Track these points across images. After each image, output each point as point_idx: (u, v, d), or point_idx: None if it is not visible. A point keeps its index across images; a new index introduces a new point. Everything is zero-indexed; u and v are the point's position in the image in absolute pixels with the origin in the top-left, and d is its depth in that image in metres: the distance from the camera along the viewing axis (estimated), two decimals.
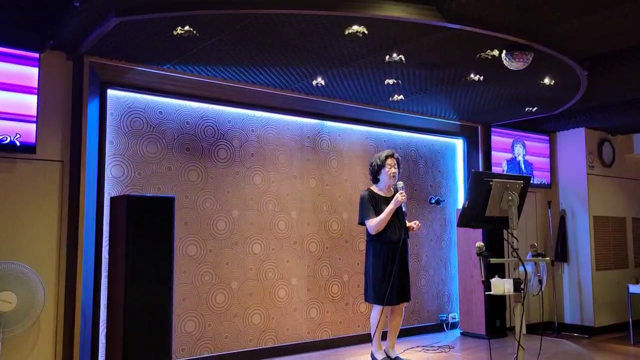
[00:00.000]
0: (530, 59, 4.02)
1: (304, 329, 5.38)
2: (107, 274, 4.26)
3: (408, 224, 4.84)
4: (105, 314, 4.23)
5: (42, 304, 3.73)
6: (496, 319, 6.14)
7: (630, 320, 6.55)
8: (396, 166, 4.78)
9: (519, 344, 3.60)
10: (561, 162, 7.41)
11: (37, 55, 3.95)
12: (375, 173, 4.81)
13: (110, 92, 4.45)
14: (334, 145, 5.78)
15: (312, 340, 5.40)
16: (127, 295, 3.90)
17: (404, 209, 4.66)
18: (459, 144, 6.90)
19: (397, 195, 4.61)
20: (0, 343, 3.63)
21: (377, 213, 4.64)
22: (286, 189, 5.39)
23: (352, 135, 5.93)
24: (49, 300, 3.93)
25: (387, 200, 4.68)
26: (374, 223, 4.60)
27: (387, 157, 4.78)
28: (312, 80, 4.85)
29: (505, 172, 6.79)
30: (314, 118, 5.62)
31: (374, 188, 4.83)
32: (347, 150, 5.86)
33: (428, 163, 6.56)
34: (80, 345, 4.05)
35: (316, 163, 5.63)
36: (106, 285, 4.25)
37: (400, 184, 4.67)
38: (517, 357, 3.65)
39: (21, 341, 3.87)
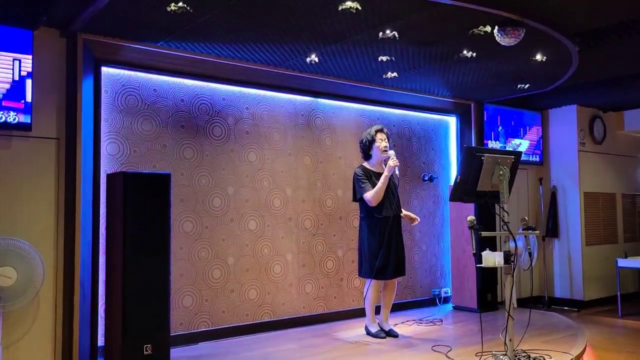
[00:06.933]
0: (522, 34, 4.06)
1: (300, 303, 5.47)
2: (104, 250, 4.32)
3: (409, 214, 4.91)
4: (104, 290, 4.30)
5: (41, 279, 3.79)
6: (487, 293, 6.26)
7: (619, 293, 6.70)
8: (386, 140, 4.84)
9: (508, 314, 3.70)
10: (553, 139, 7.48)
11: (30, 32, 3.94)
12: (366, 149, 4.87)
13: (105, 70, 4.45)
14: (328, 123, 5.81)
15: (307, 314, 5.50)
16: (125, 270, 3.96)
17: (397, 173, 4.70)
18: (452, 121, 6.94)
19: (389, 161, 4.66)
20: (1, 317, 3.69)
21: (372, 187, 4.70)
22: (281, 166, 5.44)
23: (346, 113, 5.96)
24: (47, 276, 3.98)
25: (380, 175, 4.74)
26: (371, 195, 4.66)
27: (377, 131, 4.84)
28: (306, 57, 4.86)
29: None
30: (308, 95, 5.64)
31: (366, 164, 4.89)
32: (341, 128, 5.90)
33: (421, 140, 6.61)
34: (79, 320, 4.11)
35: (310, 140, 5.67)
36: (104, 261, 4.31)
37: (391, 152, 4.73)
38: (506, 327, 3.75)
39: (21, 316, 3.93)
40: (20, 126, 3.88)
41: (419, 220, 4.99)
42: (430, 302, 6.51)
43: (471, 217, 3.82)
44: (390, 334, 4.88)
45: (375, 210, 4.70)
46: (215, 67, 4.89)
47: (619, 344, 5.26)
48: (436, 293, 6.56)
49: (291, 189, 5.50)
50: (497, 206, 3.89)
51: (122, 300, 3.96)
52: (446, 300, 6.61)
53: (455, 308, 6.37)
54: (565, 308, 7.01)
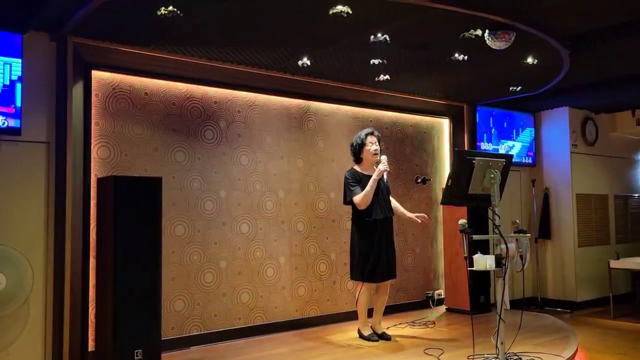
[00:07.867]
0: (513, 38, 4.07)
1: (292, 306, 5.46)
2: (95, 254, 4.29)
3: (414, 215, 4.91)
4: (95, 294, 4.28)
5: (30, 285, 3.77)
6: (480, 295, 6.26)
7: (611, 295, 6.73)
8: (377, 143, 4.84)
9: (499, 317, 3.70)
10: (545, 141, 7.51)
11: (19, 36, 3.92)
12: (357, 153, 4.87)
13: (95, 73, 4.42)
14: (320, 126, 5.81)
15: (300, 317, 5.49)
16: (116, 275, 3.94)
17: (385, 178, 4.71)
18: (445, 123, 6.95)
19: (380, 165, 4.67)
20: None
21: (362, 190, 4.70)
22: (273, 169, 5.43)
23: (338, 116, 5.96)
24: (37, 281, 3.97)
25: (370, 179, 4.74)
26: (360, 198, 4.66)
27: (367, 135, 4.84)
28: (298, 60, 4.85)
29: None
30: (300, 98, 5.64)
31: (357, 168, 4.89)
32: (333, 130, 5.90)
33: (414, 142, 6.62)
34: (70, 325, 4.09)
35: (303, 143, 5.66)
36: (94, 265, 4.29)
37: (384, 157, 4.74)
38: (497, 330, 3.76)
39: (11, 321, 3.91)
40: (10, 130, 3.86)
41: (426, 217, 5.04)
42: (424, 304, 6.51)
43: (462, 221, 3.82)
44: (383, 337, 4.87)
45: (365, 213, 4.70)
46: (206, 70, 4.87)
47: (611, 345, 5.28)
48: (429, 295, 6.57)
49: (284, 191, 5.49)
50: (489, 209, 3.89)
51: (112, 305, 3.93)
52: (439, 302, 6.61)
53: (449, 310, 6.37)
54: (559, 309, 7.03)
